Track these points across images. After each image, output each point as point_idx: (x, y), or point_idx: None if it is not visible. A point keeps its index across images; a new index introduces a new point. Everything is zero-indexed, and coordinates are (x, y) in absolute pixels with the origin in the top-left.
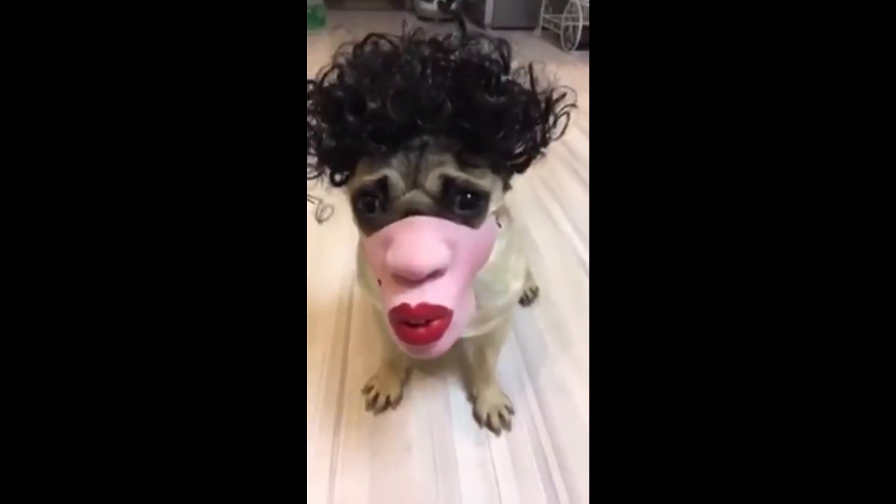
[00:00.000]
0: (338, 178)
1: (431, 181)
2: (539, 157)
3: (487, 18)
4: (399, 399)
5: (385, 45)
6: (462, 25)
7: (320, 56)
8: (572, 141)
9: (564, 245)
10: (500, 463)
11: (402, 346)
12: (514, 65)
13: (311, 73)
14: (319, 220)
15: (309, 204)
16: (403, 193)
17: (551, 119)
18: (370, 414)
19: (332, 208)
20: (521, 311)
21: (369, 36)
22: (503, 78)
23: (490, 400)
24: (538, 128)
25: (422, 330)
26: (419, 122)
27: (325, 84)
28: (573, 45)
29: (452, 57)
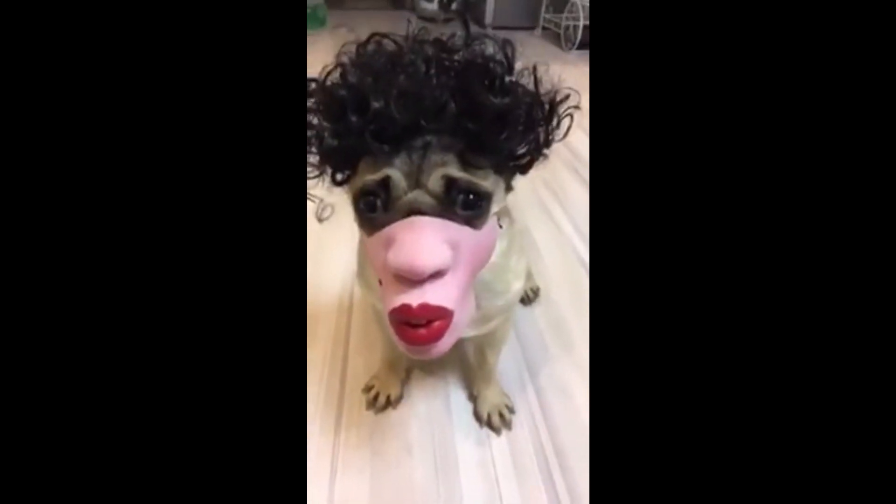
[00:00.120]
0: (339, 177)
1: (434, 181)
2: (542, 158)
3: (488, 18)
4: (399, 399)
5: (388, 45)
6: (466, 25)
7: (321, 56)
8: (573, 141)
9: (565, 245)
10: (500, 462)
11: (402, 347)
12: (517, 65)
13: (312, 73)
14: (320, 220)
15: (309, 203)
16: (405, 193)
17: (554, 120)
18: (370, 413)
19: (333, 207)
20: (521, 311)
21: (372, 35)
22: (507, 79)
23: (491, 399)
24: (541, 129)
25: (422, 330)
26: (423, 122)
27: (328, 83)
28: (574, 44)
29: (456, 57)
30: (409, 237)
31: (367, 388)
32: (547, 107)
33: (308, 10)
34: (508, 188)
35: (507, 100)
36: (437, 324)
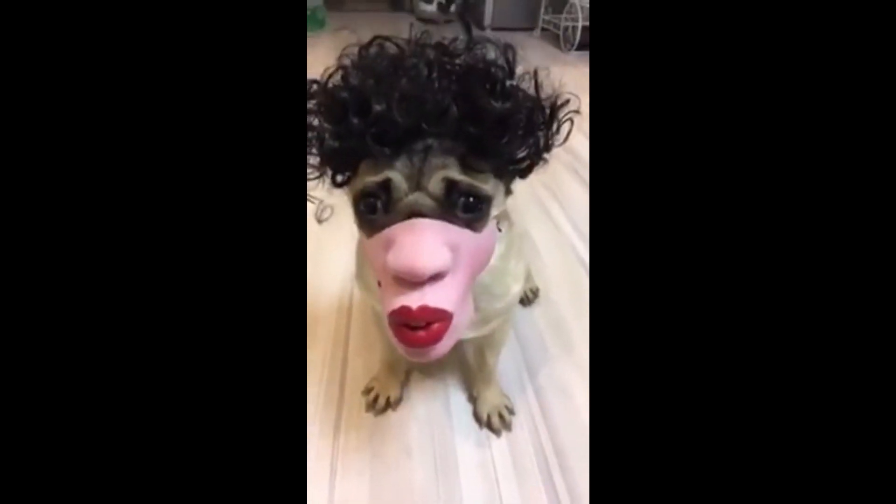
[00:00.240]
0: (339, 178)
1: (435, 184)
2: (542, 162)
3: (487, 19)
4: (399, 400)
5: (391, 48)
6: (468, 29)
7: (320, 57)
8: (573, 142)
9: (565, 245)
10: (500, 463)
11: (400, 349)
12: (518, 70)
13: (312, 74)
14: (319, 221)
15: (309, 204)
16: (406, 195)
17: (555, 125)
18: (370, 415)
19: (332, 209)
20: (521, 312)
21: (375, 38)
22: (508, 83)
23: (490, 400)
24: (541, 133)
25: (421, 333)
26: (424, 125)
27: (330, 84)
28: (573, 45)
29: (458, 61)
30: (410, 239)
31: (367, 390)
32: (547, 111)
33: (307, 12)
34: (508, 192)
35: (508, 104)
36: (436, 326)
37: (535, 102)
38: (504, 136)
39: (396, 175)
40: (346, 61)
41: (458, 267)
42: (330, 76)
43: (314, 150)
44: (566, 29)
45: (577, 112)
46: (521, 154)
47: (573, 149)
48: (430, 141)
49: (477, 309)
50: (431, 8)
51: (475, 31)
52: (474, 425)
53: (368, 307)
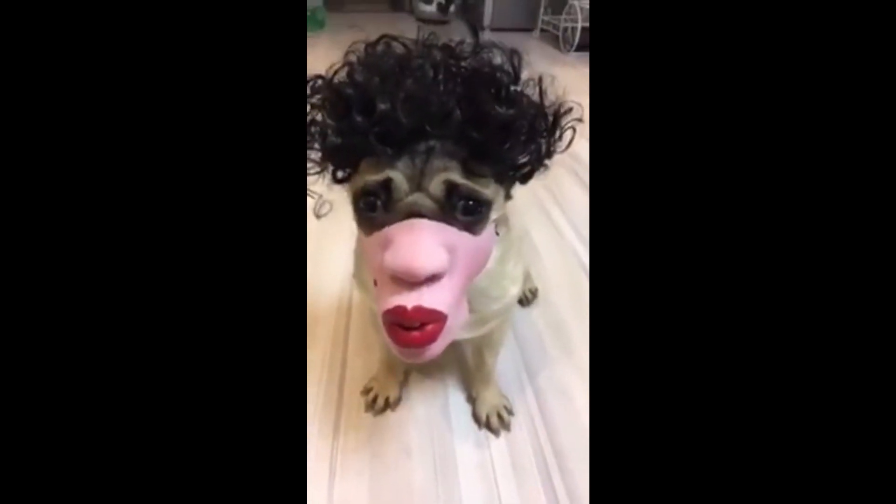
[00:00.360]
0: (340, 175)
1: (436, 186)
2: (543, 169)
3: (486, 20)
4: (398, 401)
5: (398, 47)
6: (475, 33)
7: (320, 58)
8: (573, 144)
9: (564, 247)
10: (499, 464)
11: (393, 349)
12: (523, 75)
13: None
14: (318, 216)
15: (308, 199)
16: (406, 196)
17: (557, 132)
18: (369, 416)
19: (331, 204)
20: (520, 313)
21: (382, 36)
22: (513, 88)
23: (489, 401)
24: (543, 140)
25: (416, 333)
26: (428, 127)
27: (335, 80)
28: (572, 46)
29: (464, 64)
30: (408, 239)
31: (366, 391)
32: (550, 118)
33: (307, 13)
34: (508, 197)
35: (511, 110)
36: (430, 327)
37: (539, 109)
38: (506, 141)
39: (398, 175)
40: (353, 58)
41: (455, 269)
42: (336, 72)
43: (316, 146)
44: (565, 30)
45: (579, 120)
46: (523, 160)
47: (573, 151)
48: (432, 143)
49: (474, 310)
50: (431, 8)
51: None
52: (473, 426)
53: (367, 307)
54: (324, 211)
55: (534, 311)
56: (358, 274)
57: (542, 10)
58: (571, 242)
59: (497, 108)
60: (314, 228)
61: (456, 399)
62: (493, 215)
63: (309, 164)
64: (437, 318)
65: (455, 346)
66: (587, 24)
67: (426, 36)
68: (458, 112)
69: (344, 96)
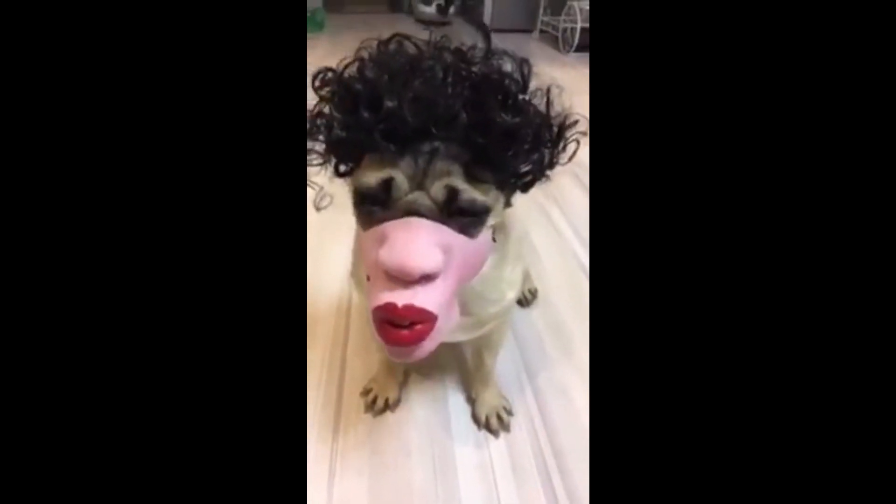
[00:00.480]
0: (342, 168)
1: (437, 189)
2: (544, 179)
3: (486, 20)
4: (398, 402)
5: (409, 47)
6: (488, 38)
7: (320, 59)
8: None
9: (564, 248)
10: (499, 465)
11: (381, 346)
12: (532, 85)
13: (310, 77)
14: (318, 208)
15: (309, 190)
16: (406, 194)
17: (561, 144)
18: (369, 416)
19: (332, 197)
20: (520, 313)
21: (395, 35)
22: (520, 97)
23: (489, 402)
24: (547, 151)
25: (405, 332)
26: (433, 128)
27: (345, 74)
28: (571, 47)
29: (474, 69)
30: (404, 237)
31: (366, 392)
32: (555, 130)
33: (307, 14)
34: (507, 204)
35: (517, 118)
36: (419, 327)
37: (545, 119)
38: (510, 148)
39: (399, 175)
40: (364, 54)
41: (449, 270)
42: (346, 66)
43: (321, 137)
44: (565, 30)
45: (584, 133)
46: (525, 169)
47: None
48: (436, 144)
49: (471, 313)
50: (430, 9)
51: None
52: (473, 426)
53: (366, 307)
54: (324, 203)
55: (533, 312)
56: (356, 273)
57: (541, 10)
58: (571, 243)
59: (503, 114)
60: (314, 229)
61: (455, 400)
62: (491, 221)
63: (312, 156)
64: (428, 318)
65: (454, 347)
66: (586, 25)
67: (438, 38)
68: (463, 115)
69: (353, 91)
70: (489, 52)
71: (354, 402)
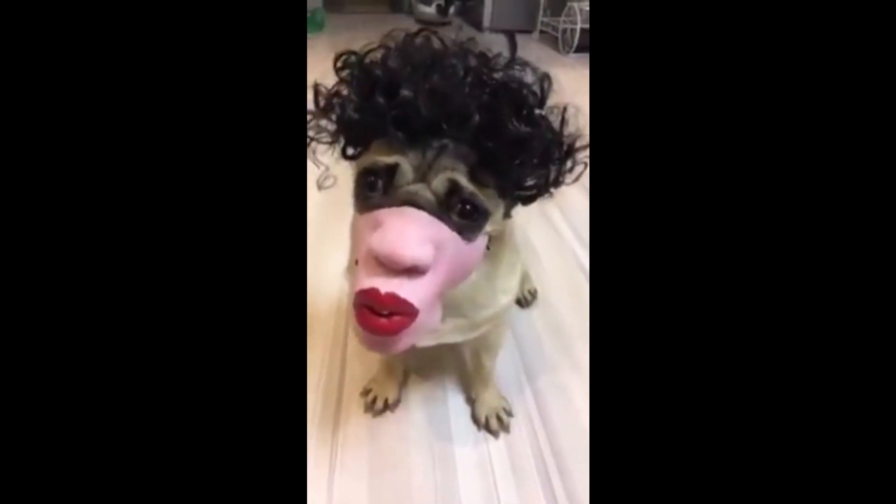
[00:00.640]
0: (350, 151)
1: (439, 182)
2: (547, 195)
3: (486, 21)
4: (397, 402)
5: (436, 43)
6: (513, 47)
7: (319, 59)
8: None
9: (564, 249)
10: (498, 465)
11: (358, 334)
12: (550, 101)
13: (311, 77)
14: (320, 188)
15: (313, 169)
16: (408, 184)
17: (568, 163)
18: (368, 417)
19: (335, 178)
20: (519, 314)
21: (421, 29)
22: (536, 111)
23: (488, 402)
24: (554, 168)
25: (383, 320)
26: (444, 125)
27: (367, 59)
28: (571, 48)
29: (495, 75)
30: (398, 225)
31: (365, 392)
32: (565, 148)
33: (307, 14)
34: (507, 215)
35: (529, 129)
36: (398, 318)
37: (556, 136)
38: (517, 157)
39: (405, 162)
40: (390, 43)
41: (438, 268)
42: (370, 51)
43: (333, 116)
44: (565, 31)
45: (586, 147)
46: (529, 182)
47: None
48: (446, 141)
49: (464, 315)
50: (430, 10)
51: (476, 36)
52: (472, 427)
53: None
54: (327, 183)
55: (533, 313)
56: (351, 269)
57: (541, 11)
58: (571, 244)
59: (515, 123)
60: (314, 229)
61: (455, 401)
62: (488, 227)
63: (321, 134)
64: (408, 310)
65: (453, 349)
66: (586, 26)
67: (465, 40)
68: (476, 117)
69: (372, 76)
70: (512, 62)
71: (354, 402)
